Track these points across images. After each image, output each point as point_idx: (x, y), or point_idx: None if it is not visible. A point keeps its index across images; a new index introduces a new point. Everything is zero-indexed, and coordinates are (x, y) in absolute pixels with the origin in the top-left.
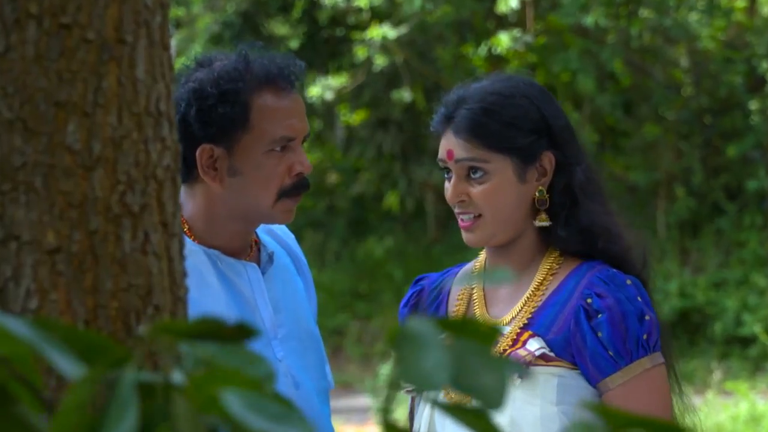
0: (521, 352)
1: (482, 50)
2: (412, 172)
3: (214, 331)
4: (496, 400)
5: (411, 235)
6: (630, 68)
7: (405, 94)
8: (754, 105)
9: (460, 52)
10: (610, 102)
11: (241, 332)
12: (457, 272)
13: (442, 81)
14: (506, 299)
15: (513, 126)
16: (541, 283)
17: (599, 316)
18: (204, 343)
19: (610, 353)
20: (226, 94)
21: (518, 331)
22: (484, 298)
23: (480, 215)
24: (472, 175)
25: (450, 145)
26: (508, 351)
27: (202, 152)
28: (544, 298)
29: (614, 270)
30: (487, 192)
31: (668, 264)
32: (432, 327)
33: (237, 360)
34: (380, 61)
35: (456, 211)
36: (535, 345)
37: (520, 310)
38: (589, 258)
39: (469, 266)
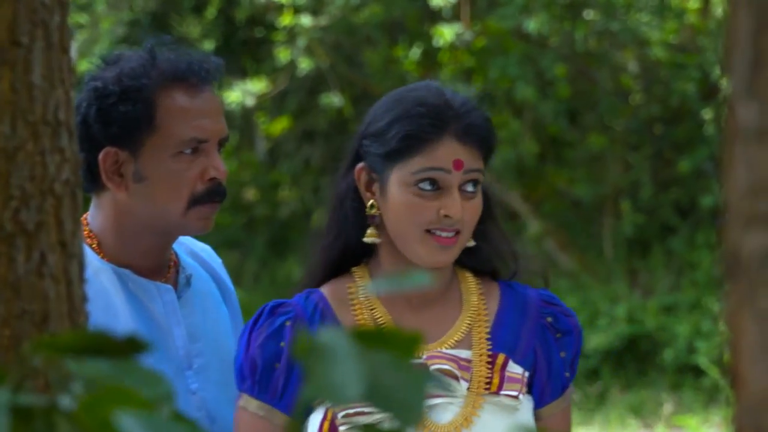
0: (513, 374)
1: (415, 53)
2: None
3: (102, 345)
4: (414, 415)
5: None
6: (574, 74)
7: (334, 99)
8: (707, 114)
9: (391, 56)
10: (553, 110)
11: (132, 346)
12: (320, 297)
13: (371, 87)
14: (427, 321)
15: (495, 146)
16: (477, 303)
17: (564, 335)
18: (94, 361)
19: (567, 374)
20: (128, 91)
21: (488, 353)
22: (392, 323)
23: (458, 232)
24: (468, 189)
25: (457, 153)
26: (495, 377)
27: (105, 156)
28: (491, 317)
29: (547, 289)
30: (477, 208)
31: (616, 286)
32: (345, 338)
33: (131, 378)
34: (305, 65)
35: (436, 227)
36: (519, 368)
37: (468, 332)
38: (494, 278)
39: (338, 288)
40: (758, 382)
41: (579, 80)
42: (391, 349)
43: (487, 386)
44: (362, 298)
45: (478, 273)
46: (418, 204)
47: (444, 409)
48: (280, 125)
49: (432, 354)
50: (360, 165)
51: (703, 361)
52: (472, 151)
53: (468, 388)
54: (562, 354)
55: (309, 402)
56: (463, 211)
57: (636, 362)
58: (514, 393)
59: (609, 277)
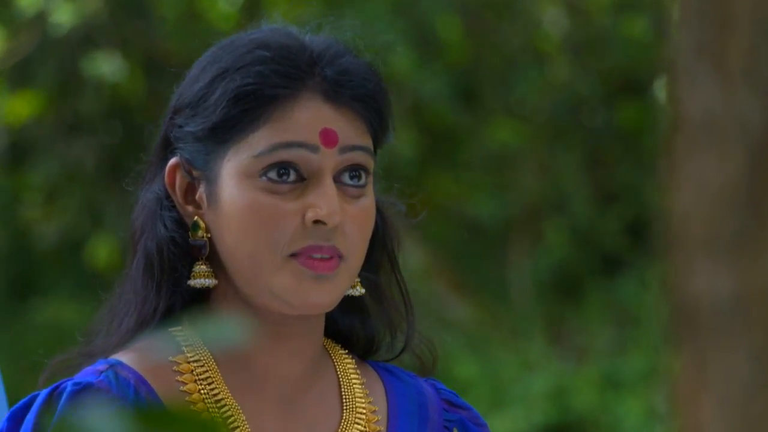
0: None
1: (232, 1)
2: (127, 201)
3: None
4: None
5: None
6: (468, 32)
7: (103, 66)
8: (661, 88)
9: (194, 8)
10: (438, 86)
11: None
12: (133, 375)
13: (167, 51)
14: (296, 426)
15: (390, 114)
16: (363, 401)
17: None
18: None
19: None
20: None
21: None
22: (246, 424)
23: (341, 256)
24: (349, 182)
25: (325, 118)
26: None
27: None
28: (383, 425)
29: (439, 381)
30: (367, 216)
31: (531, 346)
32: (121, 422)
33: None
34: (65, 17)
35: (303, 245)
36: None
37: None
38: (363, 354)
39: (155, 361)
40: None
41: (475, 42)
42: None
43: None
44: (200, 382)
45: (343, 344)
46: (269, 207)
47: None
48: (26, 107)
49: None
50: (172, 161)
51: None
52: (351, 119)
53: None
54: None
55: None
56: (344, 215)
57: None
58: None
59: (521, 332)
